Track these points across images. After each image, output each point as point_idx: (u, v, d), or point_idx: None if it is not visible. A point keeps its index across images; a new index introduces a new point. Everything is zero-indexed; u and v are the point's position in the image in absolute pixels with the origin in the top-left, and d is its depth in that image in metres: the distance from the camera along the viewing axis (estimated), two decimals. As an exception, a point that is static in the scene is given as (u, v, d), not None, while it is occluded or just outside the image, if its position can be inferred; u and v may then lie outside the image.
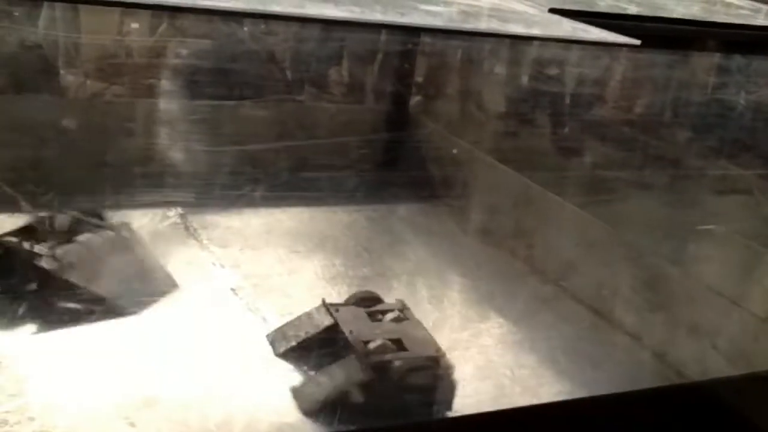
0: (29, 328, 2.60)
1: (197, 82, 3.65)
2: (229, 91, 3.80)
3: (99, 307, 2.68)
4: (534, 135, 3.98)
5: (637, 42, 2.16)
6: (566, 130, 3.89)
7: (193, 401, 2.37)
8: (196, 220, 3.56)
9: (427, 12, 2.10)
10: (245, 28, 3.50)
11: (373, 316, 2.73)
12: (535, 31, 2.26)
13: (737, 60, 3.48)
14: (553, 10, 2.35)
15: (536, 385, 2.77)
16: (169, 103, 3.62)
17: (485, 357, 2.89)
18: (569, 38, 2.31)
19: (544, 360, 2.90)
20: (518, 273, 3.58)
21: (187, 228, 3.50)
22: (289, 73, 4.19)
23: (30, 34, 3.53)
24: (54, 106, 3.59)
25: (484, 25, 2.21)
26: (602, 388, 2.69)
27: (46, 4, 3.39)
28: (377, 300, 2.88)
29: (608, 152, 3.76)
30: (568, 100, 3.87)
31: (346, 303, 2.84)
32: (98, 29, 3.79)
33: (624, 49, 3.01)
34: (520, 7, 2.41)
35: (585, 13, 2.31)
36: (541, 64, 3.94)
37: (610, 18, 2.33)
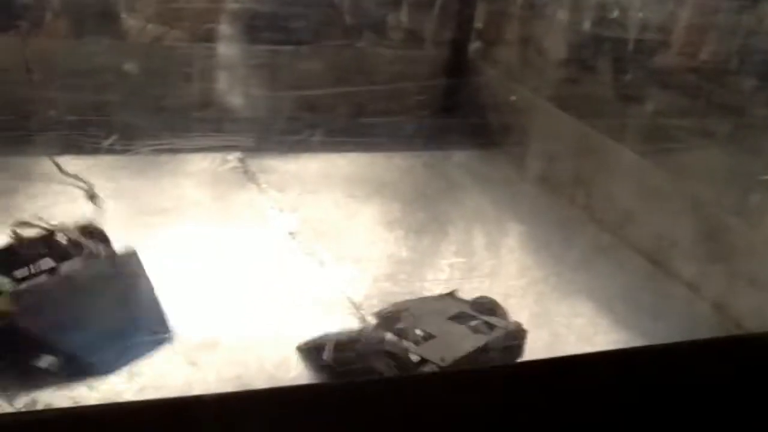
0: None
1: (256, 27, 3.65)
2: (288, 36, 3.79)
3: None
4: (595, 82, 3.90)
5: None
6: (628, 76, 3.80)
7: (252, 340, 2.42)
8: (254, 164, 3.58)
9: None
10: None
11: None
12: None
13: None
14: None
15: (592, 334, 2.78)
16: (227, 48, 3.63)
17: (541, 305, 2.89)
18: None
19: (601, 309, 2.89)
20: (577, 221, 3.55)
21: (245, 172, 3.53)
22: (347, 18, 4.16)
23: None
24: (114, 50, 3.62)
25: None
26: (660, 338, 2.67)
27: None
28: None
29: (670, 100, 3.67)
30: (630, 46, 3.78)
31: None
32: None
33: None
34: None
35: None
36: (603, 8, 3.85)
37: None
